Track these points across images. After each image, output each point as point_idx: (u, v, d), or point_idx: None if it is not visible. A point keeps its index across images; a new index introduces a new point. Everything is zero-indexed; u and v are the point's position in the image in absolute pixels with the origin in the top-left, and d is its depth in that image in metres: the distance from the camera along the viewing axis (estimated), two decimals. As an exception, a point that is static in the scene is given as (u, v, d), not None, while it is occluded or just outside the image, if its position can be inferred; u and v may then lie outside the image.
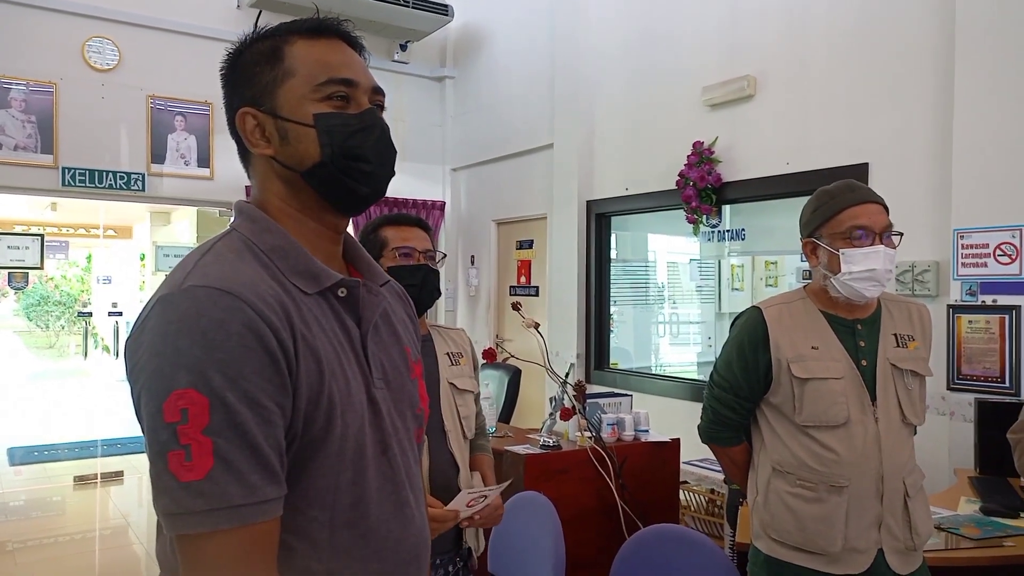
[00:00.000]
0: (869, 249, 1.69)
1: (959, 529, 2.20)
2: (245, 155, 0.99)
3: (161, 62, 5.36)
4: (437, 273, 1.82)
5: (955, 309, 3.21)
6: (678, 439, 3.04)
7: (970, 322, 3.17)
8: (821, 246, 1.74)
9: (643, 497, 2.72)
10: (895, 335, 1.77)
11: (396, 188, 6.59)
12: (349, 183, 0.95)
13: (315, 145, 0.93)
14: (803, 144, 3.89)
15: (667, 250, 5.32)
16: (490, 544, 2.28)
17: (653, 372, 5.05)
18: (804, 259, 1.86)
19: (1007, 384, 2.98)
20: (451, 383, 1.83)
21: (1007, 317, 3.06)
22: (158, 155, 5.33)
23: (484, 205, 6.29)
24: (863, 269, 1.68)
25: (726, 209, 4.48)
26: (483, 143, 6.16)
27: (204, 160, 5.45)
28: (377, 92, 0.99)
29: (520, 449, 2.64)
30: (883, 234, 1.72)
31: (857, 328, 1.75)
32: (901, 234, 1.77)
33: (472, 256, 6.42)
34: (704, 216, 4.42)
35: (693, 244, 4.82)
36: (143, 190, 5.30)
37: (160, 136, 5.34)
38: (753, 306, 1.82)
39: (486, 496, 1.66)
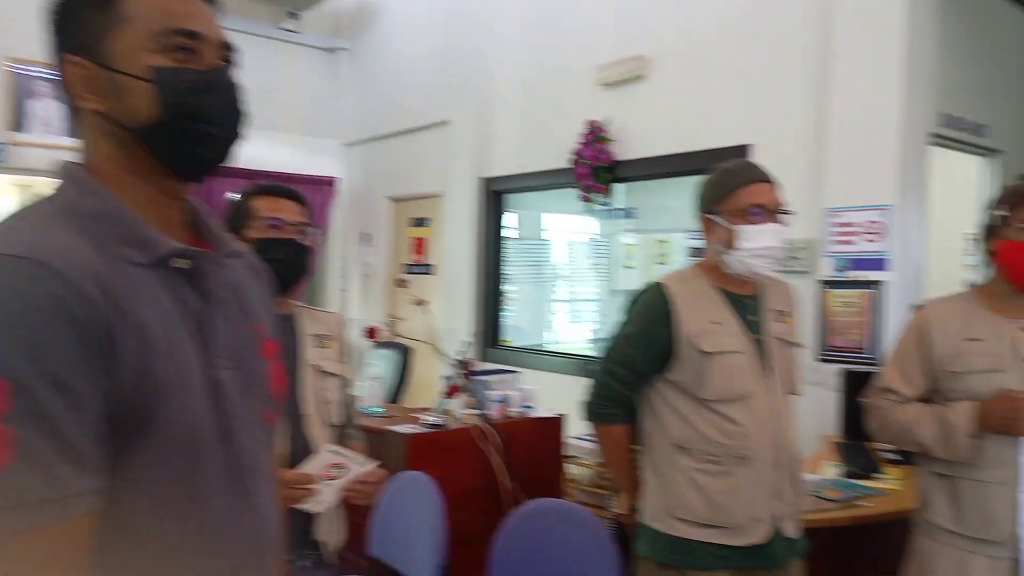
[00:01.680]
0: (764, 227, 1.73)
1: (822, 492, 2.32)
2: (73, 110, 0.88)
3: (20, 22, 4.93)
4: (308, 249, 1.74)
5: (825, 284, 3.38)
6: (563, 414, 3.07)
7: (839, 297, 3.34)
8: (717, 222, 1.77)
9: (529, 472, 2.74)
10: (775, 311, 1.83)
11: (285, 163, 6.31)
12: (189, 146, 0.86)
13: (152, 102, 0.84)
14: (693, 125, 3.98)
15: (564, 228, 5.37)
16: (372, 527, 2.24)
17: (546, 349, 5.11)
18: (693, 237, 1.90)
19: (870, 355, 3.16)
20: (316, 366, 1.75)
21: (872, 292, 3.25)
22: (20, 123, 4.92)
23: (379, 182, 6.15)
24: (758, 246, 1.73)
25: (620, 188, 4.54)
26: (378, 118, 6.02)
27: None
28: (226, 47, 0.90)
29: (403, 429, 2.60)
30: (775, 212, 1.76)
31: (747, 303, 1.80)
32: (791, 213, 1.82)
33: (366, 234, 6.28)
34: (597, 194, 4.48)
35: (590, 223, 4.88)
36: (4, 161, 4.89)
37: (21, 103, 4.92)
38: (655, 282, 1.83)
39: (347, 467, 1.60)
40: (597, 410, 1.87)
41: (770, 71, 3.67)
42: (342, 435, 1.81)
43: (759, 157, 3.66)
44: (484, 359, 4.89)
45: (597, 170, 4.38)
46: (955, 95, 3.79)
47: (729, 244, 1.75)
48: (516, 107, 5.00)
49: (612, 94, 4.38)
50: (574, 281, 5.29)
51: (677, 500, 1.74)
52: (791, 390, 1.83)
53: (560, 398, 3.49)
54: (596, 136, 4.40)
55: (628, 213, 4.59)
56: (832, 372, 3.17)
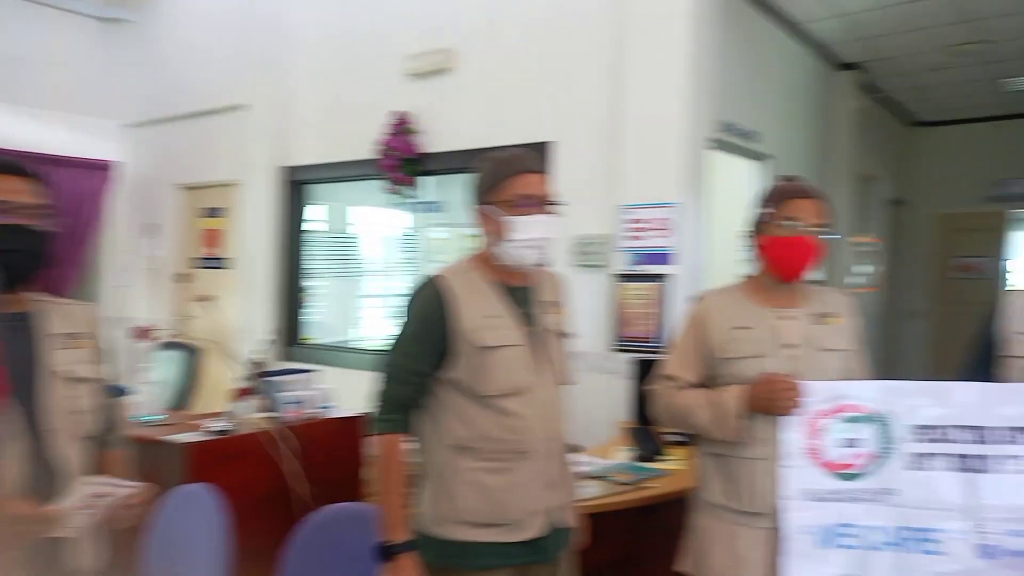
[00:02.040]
0: (534, 218, 1.72)
1: (614, 476, 2.42)
2: None
3: None
4: (45, 235, 1.50)
5: (619, 278, 3.55)
6: (365, 413, 2.97)
7: (631, 290, 3.52)
8: (489, 213, 1.76)
9: (328, 476, 2.61)
10: (547, 301, 1.84)
11: (50, 144, 5.62)
12: None
13: None
14: (498, 120, 4.01)
15: (373, 222, 5.23)
16: (145, 549, 2.02)
17: (352, 346, 4.95)
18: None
19: (658, 344, 3.36)
20: (60, 370, 1.53)
21: (660, 285, 3.45)
22: None
23: (167, 168, 5.64)
24: (529, 237, 1.72)
25: (429, 181, 4.49)
26: (166, 99, 5.51)
27: None
28: None
29: (182, 438, 2.38)
30: (545, 203, 1.77)
31: (522, 295, 1.80)
32: (563, 204, 1.82)
33: (151, 224, 5.74)
34: (405, 187, 4.39)
35: (399, 216, 4.78)
36: None
37: None
38: (430, 278, 1.77)
39: (108, 494, 1.42)
40: (390, 421, 1.73)
41: (570, 71, 3.79)
42: (101, 447, 1.60)
43: (561, 154, 3.79)
44: (284, 358, 4.65)
45: (404, 162, 4.31)
46: (732, 104, 4.13)
47: (501, 235, 1.74)
48: (319, 93, 4.79)
49: (420, 85, 4.32)
50: (384, 276, 5.18)
51: (458, 503, 1.69)
52: (564, 380, 1.84)
53: (366, 396, 3.37)
54: (403, 127, 4.32)
55: (437, 207, 4.55)
56: (624, 361, 3.33)
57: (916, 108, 7.11)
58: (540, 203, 1.75)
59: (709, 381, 1.88)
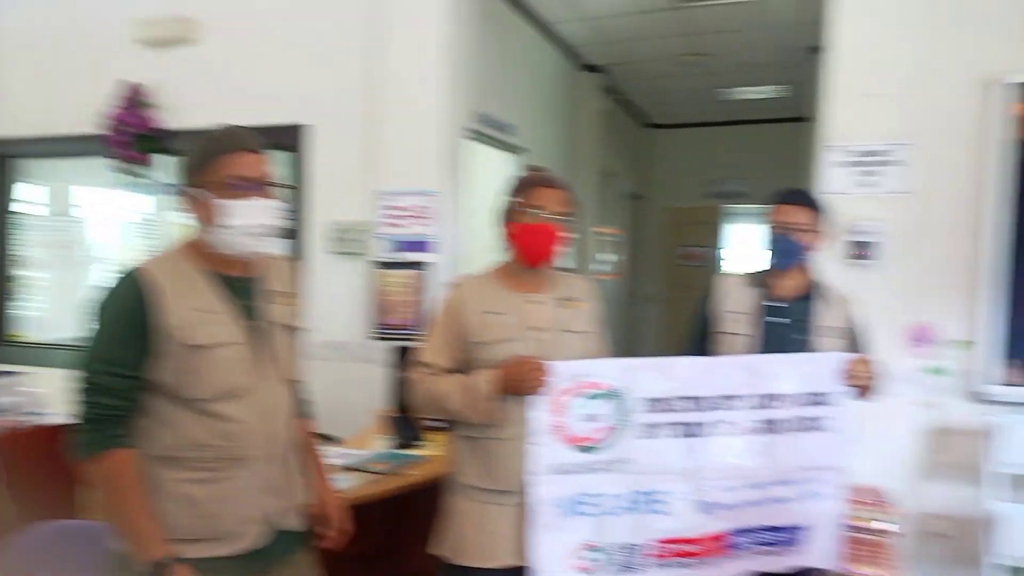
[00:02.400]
0: (251, 201, 1.56)
1: (370, 466, 2.38)
2: None
3: None
4: None
5: (378, 265, 3.50)
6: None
7: (391, 277, 3.49)
8: (199, 196, 1.56)
9: (38, 491, 2.28)
10: (275, 292, 1.70)
11: None
12: None
13: None
14: (249, 98, 3.75)
15: (104, 205, 4.64)
16: None
17: (71, 344, 4.39)
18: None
19: (417, 331, 3.37)
20: None
21: (420, 272, 3.46)
22: None
23: None
24: (246, 222, 1.55)
25: (168, 161, 4.08)
26: None
27: None
28: None
29: None
30: (263, 185, 1.59)
31: (242, 286, 1.63)
32: (283, 186, 1.68)
33: None
34: (138, 167, 3.97)
35: (137, 199, 4.30)
36: None
37: None
38: (129, 270, 1.54)
39: None
40: (103, 438, 1.48)
41: (327, 53, 3.65)
42: None
43: (317, 138, 3.64)
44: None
45: (138, 139, 3.89)
46: (488, 96, 4.25)
47: (213, 221, 1.56)
48: (30, 55, 4.16)
49: (157, 56, 3.92)
50: (118, 265, 4.63)
51: (168, 521, 1.51)
52: (290, 377, 1.72)
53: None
54: (136, 100, 3.89)
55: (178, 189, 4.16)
56: (384, 349, 3.30)
57: (651, 111, 7.85)
58: (257, 185, 1.57)
59: (465, 366, 1.90)
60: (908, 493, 3.05)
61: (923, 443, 3.05)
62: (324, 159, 3.64)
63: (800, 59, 5.03)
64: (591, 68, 6.10)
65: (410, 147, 3.48)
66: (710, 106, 7.39)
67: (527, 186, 1.94)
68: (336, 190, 3.63)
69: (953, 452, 3.00)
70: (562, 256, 1.96)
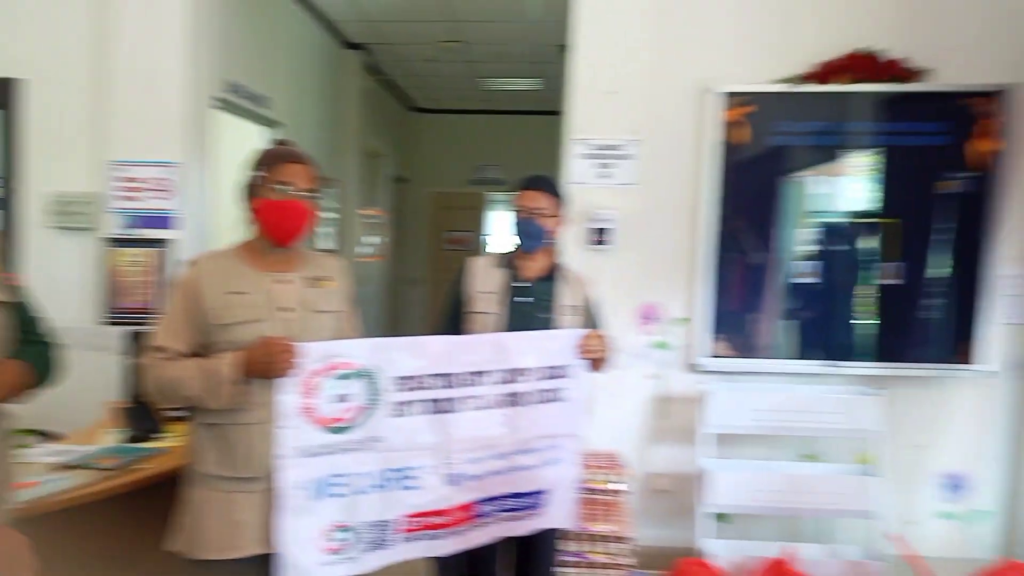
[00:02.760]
0: None
1: (96, 462, 2.16)
2: None
3: None
4: None
5: (110, 242, 3.17)
6: None
7: (126, 256, 3.18)
8: None
9: None
10: None
11: None
12: None
13: None
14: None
15: None
16: None
17: None
18: None
19: (156, 314, 3.11)
20: None
21: (160, 250, 3.19)
22: None
23: None
24: None
25: None
26: None
27: None
28: None
29: None
30: None
31: None
32: None
33: None
34: None
35: None
36: None
37: None
38: None
39: None
40: None
41: (46, 2, 3.20)
42: None
43: (33, 96, 3.20)
44: None
45: None
46: (239, 66, 4.00)
47: None
48: None
49: None
50: None
51: None
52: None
53: None
54: None
55: None
56: (117, 335, 3.00)
57: (415, 95, 7.90)
58: None
59: (203, 349, 1.80)
60: (637, 456, 3.40)
61: (649, 410, 3.42)
62: (41, 120, 3.21)
63: (552, 56, 5.34)
64: (354, 46, 5.99)
65: (148, 114, 3.18)
66: (473, 94, 7.60)
67: (272, 160, 1.86)
68: (58, 157, 3.22)
69: (673, 418, 3.40)
70: (310, 234, 1.91)
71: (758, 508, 3.13)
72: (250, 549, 1.78)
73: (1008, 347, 3.26)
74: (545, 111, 6.84)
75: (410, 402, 1.95)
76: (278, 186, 1.82)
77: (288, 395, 1.79)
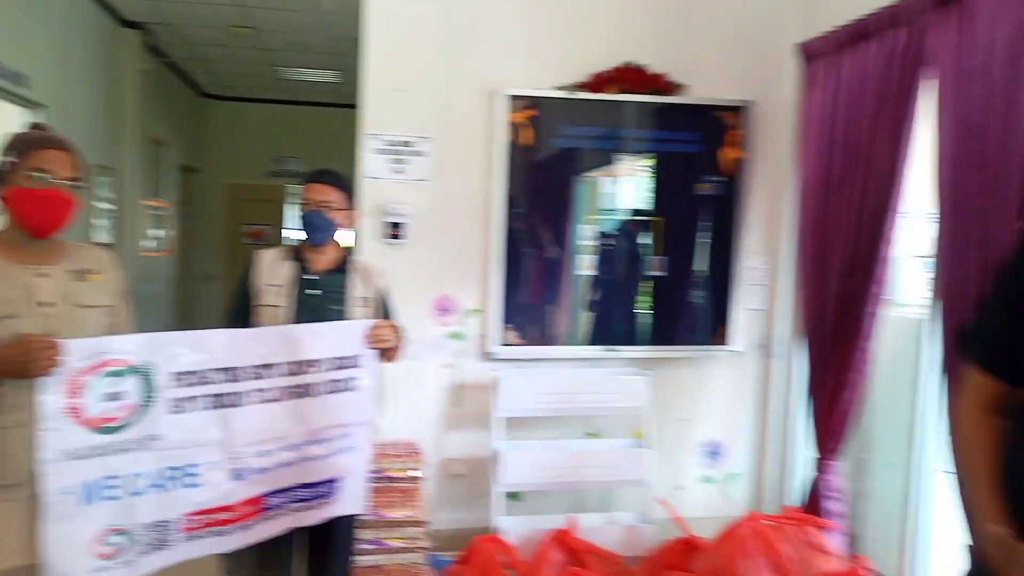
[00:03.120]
0: None
1: None
2: None
3: None
4: None
5: None
6: None
7: None
8: None
9: None
10: None
11: None
12: None
13: None
14: None
15: None
16: None
17: None
18: None
19: None
20: None
21: None
22: None
23: None
24: None
25: None
26: None
27: None
28: None
29: None
30: None
31: None
32: None
33: None
34: None
35: None
36: None
37: None
38: None
39: None
40: None
41: None
42: None
43: None
44: None
45: None
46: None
47: None
48: None
49: None
50: None
51: None
52: None
53: None
54: None
55: None
56: None
57: (204, 80, 7.47)
58: None
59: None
60: (433, 443, 3.52)
61: (445, 399, 3.54)
62: None
63: (349, 49, 5.30)
64: (132, 25, 5.56)
65: None
66: (270, 83, 7.34)
67: (24, 146, 1.74)
68: None
69: (468, 404, 3.55)
70: (74, 225, 1.80)
71: (546, 484, 3.35)
72: (11, 560, 1.67)
73: (750, 330, 3.75)
74: (346, 104, 6.76)
75: (191, 398, 1.91)
76: (33, 173, 1.70)
77: (50, 395, 1.69)
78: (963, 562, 1.23)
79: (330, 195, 2.32)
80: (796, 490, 3.55)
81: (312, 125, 7.88)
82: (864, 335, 2.96)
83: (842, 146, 3.06)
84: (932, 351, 2.70)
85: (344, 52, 5.81)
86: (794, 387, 3.63)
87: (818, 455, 3.22)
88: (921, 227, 2.82)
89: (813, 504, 3.20)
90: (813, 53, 3.33)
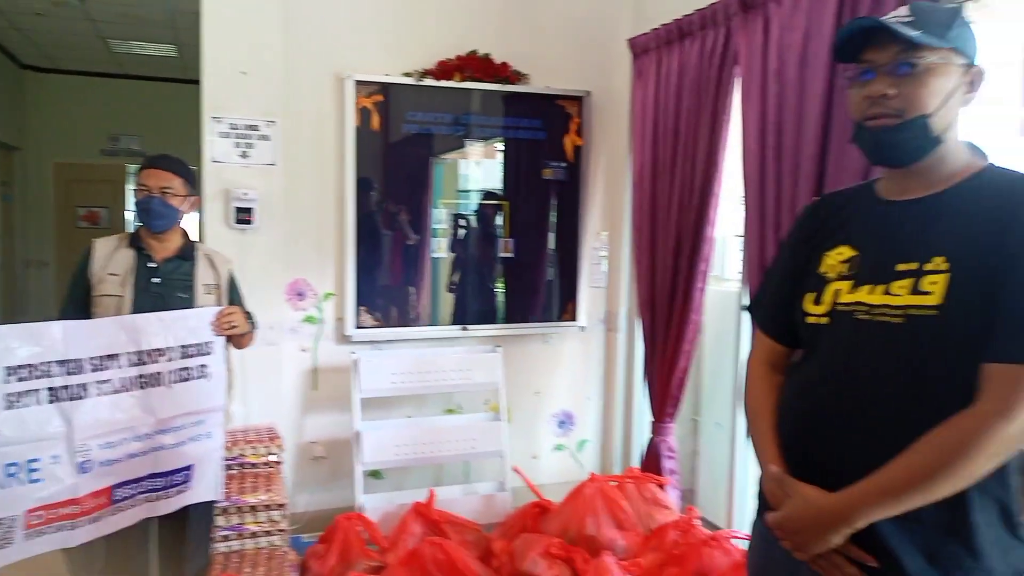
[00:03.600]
0: None
1: None
2: None
3: None
4: None
5: None
6: None
7: None
8: None
9: None
10: None
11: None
12: None
13: None
14: None
15: None
16: None
17: None
18: None
19: None
20: None
21: None
22: None
23: None
24: None
25: None
26: None
27: None
28: None
29: None
30: None
31: None
32: None
33: None
34: None
35: None
36: None
37: None
38: None
39: None
40: None
41: None
42: None
43: None
44: None
45: None
46: None
47: None
48: None
49: None
50: None
51: None
52: None
53: None
54: None
55: None
56: None
57: (24, 51, 6.85)
58: None
59: None
60: (294, 426, 3.53)
61: (304, 382, 3.56)
62: None
63: (187, 23, 5.06)
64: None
65: None
66: (102, 56, 6.85)
67: None
68: None
69: (328, 387, 3.58)
70: None
71: (407, 461, 3.46)
72: None
73: (594, 306, 4.01)
74: (187, 80, 6.42)
75: (28, 392, 1.86)
76: None
77: None
78: (757, 500, 1.44)
79: (171, 181, 2.28)
80: (637, 452, 3.87)
81: (151, 101, 7.43)
82: (693, 308, 3.27)
83: (669, 135, 3.34)
84: (747, 321, 3.03)
85: (182, 26, 5.54)
86: (634, 358, 3.93)
87: (656, 419, 3.53)
88: (737, 209, 3.15)
89: (652, 464, 3.51)
90: (641, 48, 3.59)
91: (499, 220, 3.79)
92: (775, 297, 1.45)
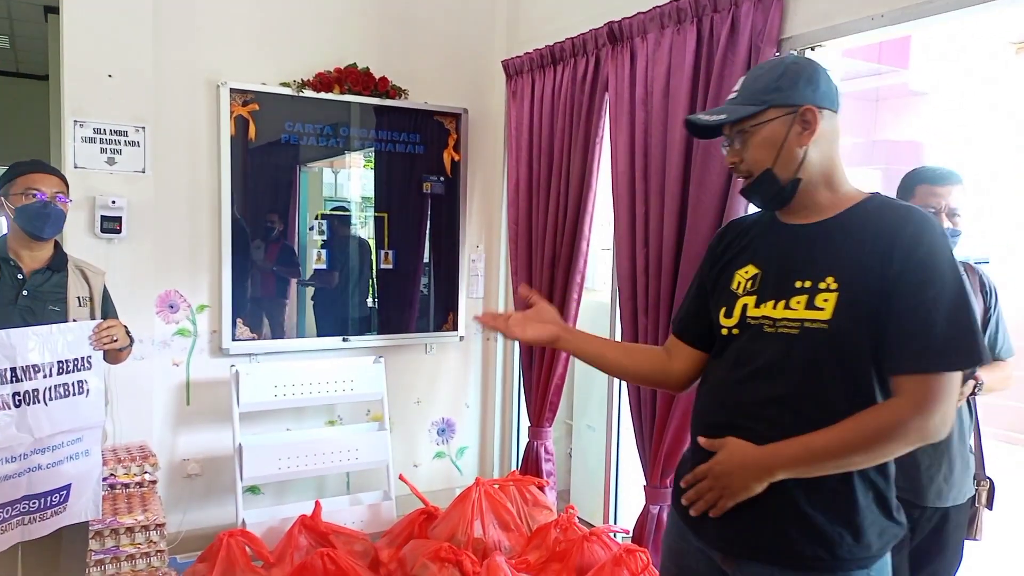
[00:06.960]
0: None
1: None
2: None
3: None
4: None
5: None
6: None
7: None
8: None
9: None
10: None
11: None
12: None
13: None
14: None
15: None
16: None
17: None
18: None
19: None
20: None
21: None
22: None
23: None
24: None
25: None
26: None
27: None
28: None
29: None
30: None
31: None
32: None
33: None
34: None
35: None
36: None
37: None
38: None
39: None
40: None
41: None
42: None
43: None
44: None
45: None
46: None
47: None
48: None
49: None
50: None
51: None
52: None
53: None
54: None
55: None
56: None
57: None
58: None
59: None
60: (167, 444, 3.40)
61: (176, 398, 3.44)
62: None
63: (28, 14, 4.69)
64: None
65: None
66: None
67: None
68: None
69: (202, 402, 3.48)
70: None
71: (290, 474, 3.42)
72: None
73: (472, 316, 4.12)
74: (28, 74, 5.93)
75: None
76: None
77: None
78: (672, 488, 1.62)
79: (61, 186, 2.18)
80: (516, 456, 4.01)
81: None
82: (569, 318, 3.46)
83: (544, 154, 3.52)
84: (617, 329, 3.25)
85: (25, 18, 5.13)
86: (511, 366, 4.08)
87: (534, 424, 3.68)
88: (605, 224, 3.37)
89: (531, 467, 3.66)
90: (514, 70, 3.77)
91: (378, 232, 3.83)
92: (687, 311, 1.64)
